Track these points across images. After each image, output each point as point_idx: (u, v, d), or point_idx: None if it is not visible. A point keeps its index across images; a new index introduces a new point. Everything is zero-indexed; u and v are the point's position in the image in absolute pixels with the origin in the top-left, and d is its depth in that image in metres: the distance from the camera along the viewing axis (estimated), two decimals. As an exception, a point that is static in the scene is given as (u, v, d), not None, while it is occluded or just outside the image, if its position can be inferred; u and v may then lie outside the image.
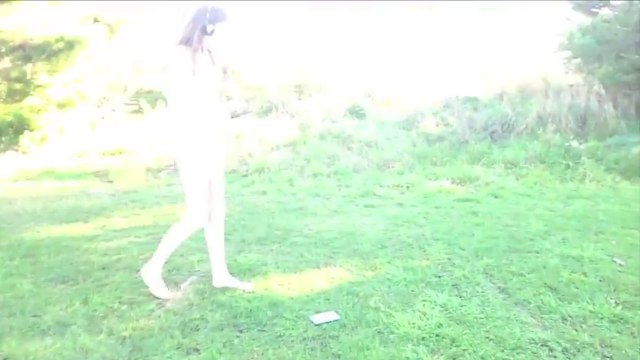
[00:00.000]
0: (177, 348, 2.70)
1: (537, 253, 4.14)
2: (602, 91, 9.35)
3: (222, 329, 2.89)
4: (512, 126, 9.31)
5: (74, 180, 8.12)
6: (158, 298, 3.30)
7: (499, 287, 3.47)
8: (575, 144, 8.15)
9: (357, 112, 11.45)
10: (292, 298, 3.29)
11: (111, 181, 7.94)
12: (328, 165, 8.45)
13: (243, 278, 3.63)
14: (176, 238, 3.30)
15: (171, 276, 3.70)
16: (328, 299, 3.29)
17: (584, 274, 3.65)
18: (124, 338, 2.81)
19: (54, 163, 9.34)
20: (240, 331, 2.87)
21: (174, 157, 3.35)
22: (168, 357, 2.62)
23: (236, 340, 2.77)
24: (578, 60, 10.92)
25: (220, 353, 2.64)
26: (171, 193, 7.07)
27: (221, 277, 3.48)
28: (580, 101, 9.35)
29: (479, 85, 12.04)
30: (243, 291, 3.40)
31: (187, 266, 3.93)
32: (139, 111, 12.88)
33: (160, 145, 9.88)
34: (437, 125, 10.38)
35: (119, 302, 3.27)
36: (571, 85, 10.22)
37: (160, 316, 3.05)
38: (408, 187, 7.20)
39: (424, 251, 4.23)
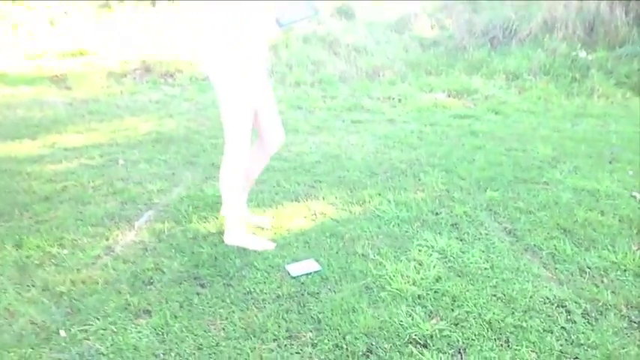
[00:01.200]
0: (124, 309, 2.26)
1: (547, 184, 3.70)
2: (614, -6, 8.56)
3: (180, 283, 2.45)
4: (515, 31, 8.56)
5: (27, 86, 7.35)
6: (107, 240, 2.83)
7: (505, 228, 3.05)
8: (582, 54, 7.53)
9: (345, 12, 10.53)
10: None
11: (69, 88, 7.20)
12: (312, 73, 7.76)
13: (209, 213, 3.16)
14: (234, 185, 2.71)
15: (124, 210, 3.22)
16: (308, 242, 2.84)
17: (602, 212, 3.23)
18: (60, 295, 2.36)
19: (6, 65, 8.48)
20: (202, 286, 2.43)
21: (208, 74, 2.63)
22: (111, 322, 2.18)
23: (196, 299, 2.33)
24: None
25: (176, 317, 2.21)
26: (135, 104, 6.41)
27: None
28: (589, 5, 8.56)
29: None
30: (208, 231, 2.93)
31: (144, 197, 3.43)
32: (106, 6, 11.76)
33: (127, 46, 9.00)
34: (432, 28, 9.59)
35: (59, 245, 2.79)
36: (580, -14, 9.36)
37: (106, 266, 2.59)
38: (399, 99, 6.61)
39: (419, 180, 3.76)
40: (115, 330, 2.13)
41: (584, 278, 2.54)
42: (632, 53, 7.52)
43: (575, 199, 3.43)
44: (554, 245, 2.84)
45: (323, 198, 3.44)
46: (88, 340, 2.07)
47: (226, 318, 2.21)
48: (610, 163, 4.17)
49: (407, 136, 4.96)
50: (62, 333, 2.11)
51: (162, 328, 2.14)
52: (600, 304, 2.34)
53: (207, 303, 2.30)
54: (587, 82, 6.84)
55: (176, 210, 3.18)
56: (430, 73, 7.62)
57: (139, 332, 2.11)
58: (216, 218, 3.07)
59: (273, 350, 2.02)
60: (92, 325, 2.16)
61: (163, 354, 2.00)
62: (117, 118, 5.64)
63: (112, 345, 2.04)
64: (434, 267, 2.60)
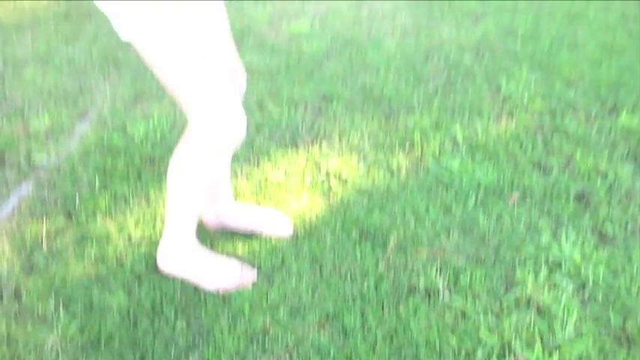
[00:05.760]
0: None
1: None
2: None
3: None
4: None
5: None
6: None
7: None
8: None
9: None
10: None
11: None
12: None
13: (134, 190, 1.83)
14: (194, 188, 1.37)
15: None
16: (318, 260, 1.56)
17: None
18: None
19: None
20: None
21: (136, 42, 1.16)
22: None
23: None
24: None
25: None
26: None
27: (222, 211, 1.63)
28: None
29: None
30: (129, 238, 1.62)
31: (18, 152, 2.06)
32: None
33: None
34: None
35: None
36: None
37: None
38: None
39: (499, 92, 2.37)
40: None
41: None
42: None
43: None
44: None
45: (339, 137, 2.08)
46: None
47: None
48: None
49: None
50: None
51: None
52: None
53: None
54: None
55: (72, 181, 1.84)
56: None
57: None
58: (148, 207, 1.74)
59: None
60: None
61: None
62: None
63: None
64: (570, 321, 1.35)
